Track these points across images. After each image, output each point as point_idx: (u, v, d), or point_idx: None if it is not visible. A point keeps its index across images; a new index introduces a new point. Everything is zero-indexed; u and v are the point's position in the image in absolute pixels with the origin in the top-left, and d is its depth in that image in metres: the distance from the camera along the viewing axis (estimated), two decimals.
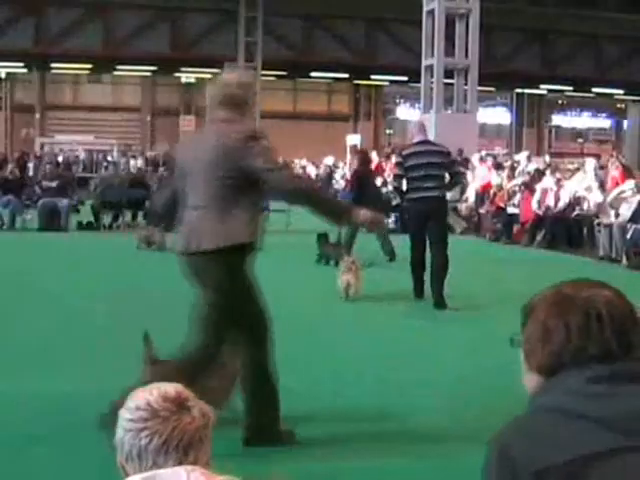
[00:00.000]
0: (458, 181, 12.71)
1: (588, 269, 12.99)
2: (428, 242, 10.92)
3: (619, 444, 1.74)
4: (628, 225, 16.11)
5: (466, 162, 24.92)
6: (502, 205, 20.64)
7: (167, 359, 5.31)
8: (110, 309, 10.03)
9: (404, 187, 11.40)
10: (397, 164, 11.67)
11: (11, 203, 20.94)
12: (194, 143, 5.49)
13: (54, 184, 21.13)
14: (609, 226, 16.67)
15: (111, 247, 17.26)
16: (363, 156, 17.30)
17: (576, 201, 18.90)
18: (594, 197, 18.36)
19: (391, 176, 18.10)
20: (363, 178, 16.19)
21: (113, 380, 5.02)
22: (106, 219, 21.55)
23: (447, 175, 11.09)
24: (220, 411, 4.73)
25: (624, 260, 15.73)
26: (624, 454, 1.74)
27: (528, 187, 20.15)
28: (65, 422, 5.73)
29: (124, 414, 2.02)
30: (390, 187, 20.53)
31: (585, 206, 18.69)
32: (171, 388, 2.04)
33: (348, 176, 31.47)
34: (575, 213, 18.72)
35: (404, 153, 11.19)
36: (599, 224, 17.29)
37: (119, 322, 9.05)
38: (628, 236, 16.00)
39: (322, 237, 15.16)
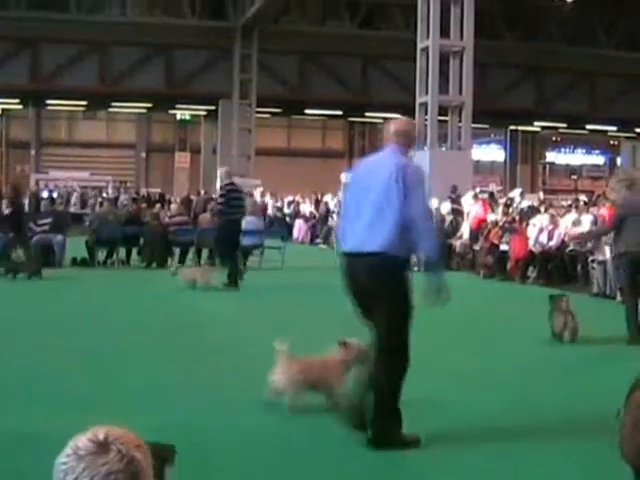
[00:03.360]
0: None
1: (583, 305, 12.98)
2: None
3: None
4: None
5: (459, 199, 24.89)
6: (496, 242, 20.62)
7: None
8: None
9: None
10: (221, 195, 17.60)
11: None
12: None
13: (48, 220, 21.07)
14: (603, 263, 16.69)
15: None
16: (16, 187, 21.38)
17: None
18: None
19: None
20: (18, 207, 20.20)
21: None
22: (100, 255, 21.50)
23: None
24: None
25: (618, 296, 15.70)
26: None
27: (514, 230, 20.22)
28: None
29: None
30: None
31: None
32: (103, 431, 2.01)
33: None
34: (569, 249, 18.73)
35: (226, 189, 17.22)
36: (593, 261, 17.31)
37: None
38: None
39: (3, 257, 18.88)
